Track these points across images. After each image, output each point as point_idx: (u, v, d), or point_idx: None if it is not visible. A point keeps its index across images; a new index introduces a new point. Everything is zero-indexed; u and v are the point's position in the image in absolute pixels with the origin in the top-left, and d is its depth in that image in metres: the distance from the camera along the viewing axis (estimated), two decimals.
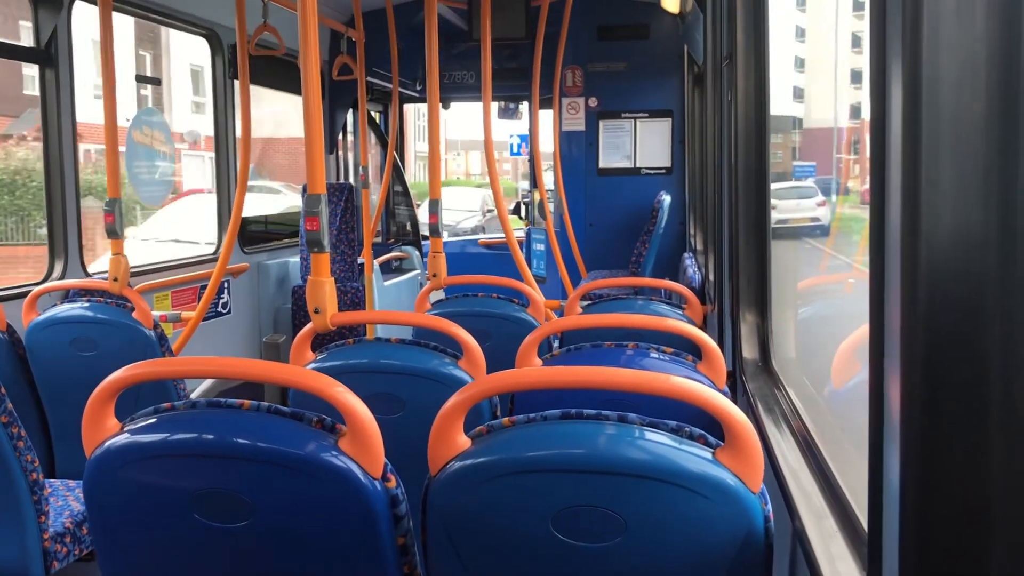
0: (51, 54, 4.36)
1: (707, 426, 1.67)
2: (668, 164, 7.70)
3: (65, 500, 2.96)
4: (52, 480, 3.15)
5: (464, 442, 1.68)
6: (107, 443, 1.78)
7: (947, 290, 0.93)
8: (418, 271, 7.94)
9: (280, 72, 6.34)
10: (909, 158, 0.94)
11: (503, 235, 5.98)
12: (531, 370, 1.88)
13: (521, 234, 8.47)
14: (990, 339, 0.92)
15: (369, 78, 6.70)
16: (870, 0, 1.06)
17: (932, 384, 0.95)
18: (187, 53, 19.79)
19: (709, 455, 1.58)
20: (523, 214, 9.59)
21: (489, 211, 22.03)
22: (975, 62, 0.90)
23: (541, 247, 8.05)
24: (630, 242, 7.21)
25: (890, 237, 1.01)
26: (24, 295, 3.90)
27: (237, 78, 5.15)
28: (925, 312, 0.94)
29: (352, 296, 6.10)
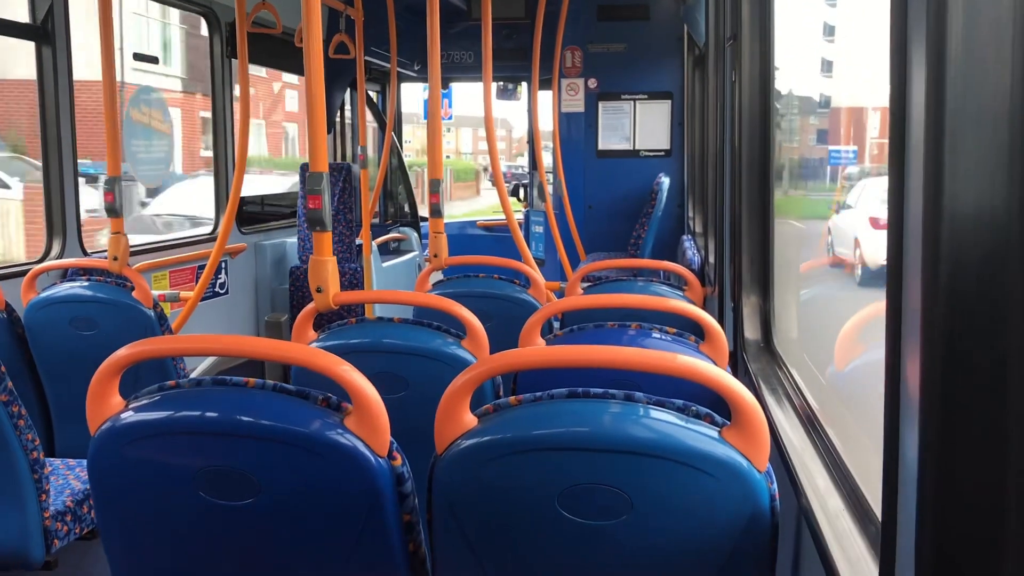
0: (47, 31, 4.32)
1: (711, 406, 1.66)
2: (667, 146, 7.68)
3: (66, 479, 2.95)
4: (52, 459, 3.14)
5: (471, 420, 1.68)
6: (112, 420, 1.77)
7: (969, 269, 0.91)
8: (416, 252, 7.91)
9: (276, 51, 6.30)
10: (931, 133, 0.92)
11: (503, 217, 5.96)
12: (540, 349, 1.87)
13: (519, 217, 8.45)
14: (1013, 319, 0.91)
15: (367, 58, 6.66)
16: None
17: (953, 364, 0.93)
18: None
19: (715, 434, 1.58)
20: (521, 196, 9.56)
21: None
22: (1001, 32, 0.89)
23: (540, 229, 8.03)
24: (629, 224, 7.20)
25: (910, 213, 1.00)
26: (23, 274, 3.88)
27: (235, 57, 5.11)
28: (947, 290, 0.92)
29: (350, 277, 6.08)
